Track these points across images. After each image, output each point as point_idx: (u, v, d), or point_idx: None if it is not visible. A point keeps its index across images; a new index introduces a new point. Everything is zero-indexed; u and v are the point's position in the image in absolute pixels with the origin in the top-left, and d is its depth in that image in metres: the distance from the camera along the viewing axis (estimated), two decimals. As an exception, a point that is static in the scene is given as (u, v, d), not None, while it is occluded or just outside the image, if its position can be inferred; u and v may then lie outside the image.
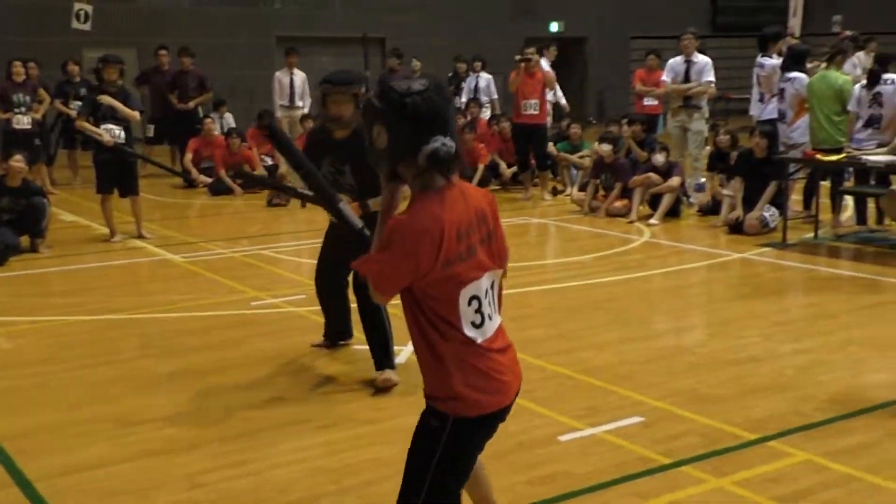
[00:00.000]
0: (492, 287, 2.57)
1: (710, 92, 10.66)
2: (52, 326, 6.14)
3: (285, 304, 6.54)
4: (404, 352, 5.17)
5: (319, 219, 4.33)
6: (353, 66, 17.06)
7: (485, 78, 13.99)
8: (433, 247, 2.38)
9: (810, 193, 9.37)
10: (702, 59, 10.49)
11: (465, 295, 2.47)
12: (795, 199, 9.76)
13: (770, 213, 8.80)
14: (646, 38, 18.95)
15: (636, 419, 4.31)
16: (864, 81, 8.73)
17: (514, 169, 11.79)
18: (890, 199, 8.02)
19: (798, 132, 9.23)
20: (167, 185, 12.63)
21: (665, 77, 10.87)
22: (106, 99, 8.49)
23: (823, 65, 9.31)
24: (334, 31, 20.00)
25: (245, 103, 17.41)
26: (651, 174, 9.65)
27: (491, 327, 2.55)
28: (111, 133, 8.52)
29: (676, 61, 10.62)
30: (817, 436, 4.11)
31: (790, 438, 4.07)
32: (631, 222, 9.50)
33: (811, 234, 8.63)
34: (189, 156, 12.67)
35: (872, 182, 8.74)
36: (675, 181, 9.54)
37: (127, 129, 8.70)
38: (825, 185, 9.31)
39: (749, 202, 8.87)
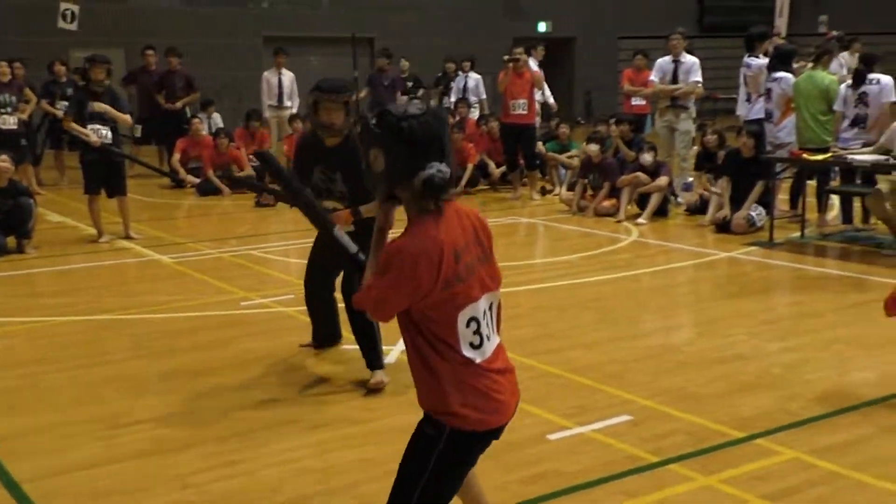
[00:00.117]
0: (490, 308, 2.59)
1: (698, 92, 10.70)
2: (41, 327, 6.12)
3: (274, 304, 6.54)
4: (394, 351, 5.19)
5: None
6: (341, 65, 17.09)
7: (474, 78, 14.01)
8: (432, 269, 2.41)
9: (797, 193, 9.42)
10: (689, 60, 10.54)
11: (463, 316, 2.49)
12: (782, 198, 9.81)
13: (757, 213, 8.85)
14: (634, 38, 19.00)
15: (624, 418, 4.33)
16: (850, 81, 8.79)
17: (503, 169, 11.82)
18: (875, 199, 8.09)
19: (785, 132, 9.29)
20: (155, 186, 12.60)
21: (653, 77, 10.91)
22: (100, 106, 8.48)
23: (810, 65, 9.37)
24: (323, 31, 19.97)
25: (233, 103, 17.38)
26: (639, 174, 9.68)
27: (490, 348, 2.57)
28: (98, 133, 8.49)
29: (664, 61, 10.66)
30: (804, 434, 4.14)
31: (777, 436, 4.10)
32: (619, 222, 9.54)
33: (798, 234, 8.68)
34: (177, 156, 12.63)
35: (858, 181, 8.80)
36: (662, 181, 9.58)
37: (114, 130, 8.68)
38: (811, 184, 9.37)
39: (736, 201, 8.92)
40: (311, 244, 5.28)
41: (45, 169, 12.91)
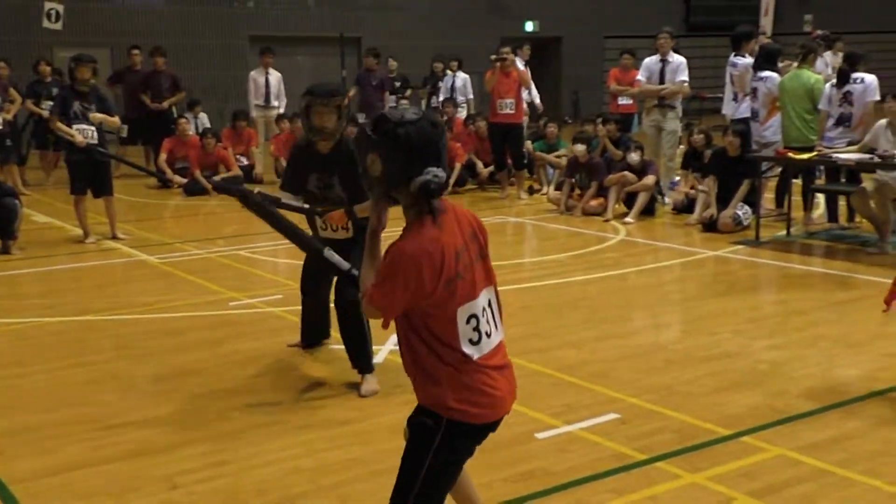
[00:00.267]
0: (489, 304, 2.64)
1: (684, 91, 10.74)
2: (26, 328, 6.09)
3: (262, 304, 6.53)
4: (382, 352, 5.19)
5: (294, 220, 4.34)
6: (328, 65, 17.10)
7: (461, 77, 14.02)
8: (435, 269, 2.46)
9: (783, 191, 9.47)
10: (677, 59, 10.57)
11: (463, 313, 2.54)
12: (768, 197, 9.87)
13: (743, 212, 8.89)
14: (620, 38, 19.06)
15: (612, 416, 4.35)
16: (835, 80, 8.84)
17: (491, 168, 11.83)
18: (860, 197, 8.15)
19: (770, 131, 9.34)
20: (141, 186, 12.55)
21: (640, 76, 10.94)
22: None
23: (795, 64, 9.42)
24: (309, 31, 19.95)
25: (219, 103, 17.34)
26: (626, 173, 9.71)
27: (489, 344, 2.61)
28: (84, 133, 8.45)
29: (652, 60, 10.69)
30: (790, 430, 4.17)
31: (763, 433, 4.13)
32: (606, 221, 9.57)
33: (783, 232, 8.73)
34: (163, 156, 12.59)
35: (843, 180, 8.85)
36: (649, 180, 9.61)
37: (99, 129, 8.64)
38: (797, 183, 9.42)
39: (723, 200, 8.96)
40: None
41: (31, 169, 12.84)
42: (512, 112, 11.04)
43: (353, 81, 15.10)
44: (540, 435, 4.15)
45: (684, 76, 10.53)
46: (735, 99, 10.07)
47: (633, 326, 6.07)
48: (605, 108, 15.68)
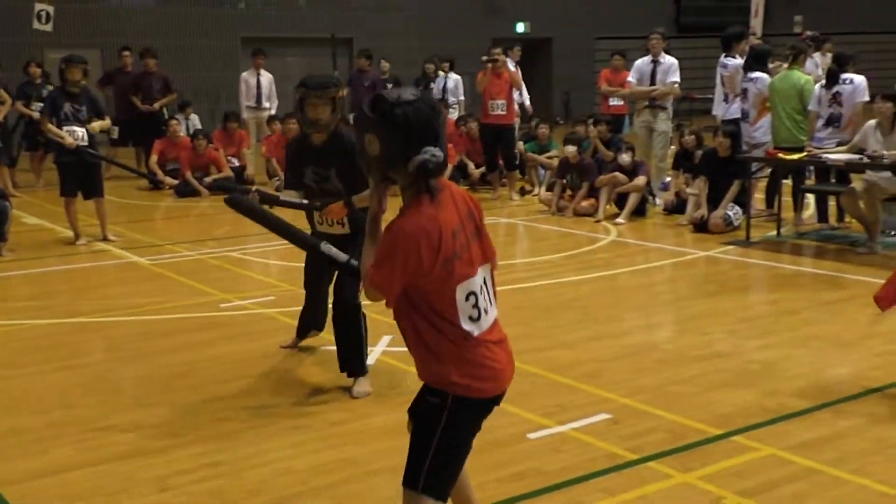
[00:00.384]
0: (485, 282, 2.67)
1: (675, 92, 10.77)
2: (16, 330, 6.07)
3: (254, 305, 6.52)
4: (374, 353, 5.19)
5: (294, 218, 4.36)
6: (320, 66, 17.04)
7: (453, 79, 14.02)
8: (433, 247, 2.49)
9: (773, 192, 9.50)
10: (668, 60, 10.60)
11: (461, 291, 2.57)
12: (758, 197, 9.90)
13: (734, 212, 8.92)
14: (611, 39, 19.11)
15: (604, 416, 4.36)
16: (824, 81, 8.88)
17: (483, 169, 11.84)
18: (850, 197, 8.18)
19: (760, 131, 9.37)
20: (132, 187, 12.52)
21: (631, 78, 10.96)
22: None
23: (785, 65, 9.45)
24: (301, 32, 19.93)
25: (211, 104, 17.31)
26: (617, 174, 9.73)
27: (487, 321, 2.65)
28: (74, 135, 8.43)
29: (643, 61, 10.72)
30: (781, 430, 4.18)
31: (754, 433, 4.14)
32: (598, 221, 9.59)
33: (774, 232, 8.76)
34: (154, 157, 12.56)
35: (833, 180, 8.89)
36: (640, 180, 9.63)
37: (89, 131, 8.62)
38: (787, 183, 9.45)
39: (713, 201, 8.98)
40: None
41: (22, 171, 12.79)
42: (503, 113, 11.05)
43: (346, 83, 15.10)
44: (532, 435, 4.16)
45: (676, 77, 10.56)
46: (725, 100, 10.09)
47: (624, 327, 6.09)
48: (596, 108, 15.70)
